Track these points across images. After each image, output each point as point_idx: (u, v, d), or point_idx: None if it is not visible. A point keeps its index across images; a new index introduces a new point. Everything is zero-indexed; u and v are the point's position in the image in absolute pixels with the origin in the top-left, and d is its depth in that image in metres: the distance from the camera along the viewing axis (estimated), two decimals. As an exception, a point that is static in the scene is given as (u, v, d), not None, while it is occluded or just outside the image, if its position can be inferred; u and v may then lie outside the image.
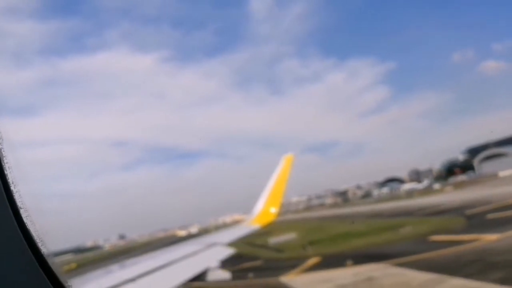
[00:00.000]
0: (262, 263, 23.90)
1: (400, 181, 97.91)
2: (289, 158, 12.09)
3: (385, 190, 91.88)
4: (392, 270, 14.98)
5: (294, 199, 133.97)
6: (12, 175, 1.07)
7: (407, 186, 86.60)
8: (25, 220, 1.07)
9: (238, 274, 22.25)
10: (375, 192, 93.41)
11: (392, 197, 75.03)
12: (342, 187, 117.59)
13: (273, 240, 34.50)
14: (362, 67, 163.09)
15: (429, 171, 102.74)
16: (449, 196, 45.55)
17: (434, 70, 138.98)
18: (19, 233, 1.07)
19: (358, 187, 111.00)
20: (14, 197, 1.08)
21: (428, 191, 66.79)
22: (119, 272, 4.98)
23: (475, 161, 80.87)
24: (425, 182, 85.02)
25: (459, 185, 62.92)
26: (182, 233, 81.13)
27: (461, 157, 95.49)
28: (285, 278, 17.81)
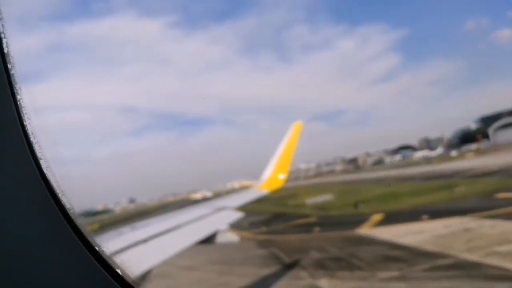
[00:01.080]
0: (318, 220, 23.94)
1: (413, 148, 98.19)
2: (298, 126, 12.20)
3: (397, 157, 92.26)
4: (484, 222, 14.87)
5: (303, 166, 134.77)
6: (31, 125, 1.05)
7: (420, 154, 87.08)
8: (45, 171, 1.07)
9: (294, 230, 22.50)
10: (387, 160, 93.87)
11: (408, 163, 75.60)
12: (350, 154, 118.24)
13: (311, 200, 34.82)
14: (373, 34, 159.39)
15: (440, 139, 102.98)
16: (476, 161, 45.57)
17: (446, 38, 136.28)
18: (42, 183, 1.07)
19: (368, 154, 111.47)
20: (34, 148, 1.06)
21: (445, 158, 67.10)
22: (130, 234, 5.03)
23: (490, 130, 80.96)
24: (439, 150, 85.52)
25: (479, 152, 63.15)
26: (197, 196, 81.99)
27: (473, 126, 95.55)
28: (362, 231, 17.81)
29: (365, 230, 17.91)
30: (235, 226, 26.77)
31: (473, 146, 78.93)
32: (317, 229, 20.02)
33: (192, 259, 18.32)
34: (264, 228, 24.35)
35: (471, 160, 50.28)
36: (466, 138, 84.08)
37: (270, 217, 30.10)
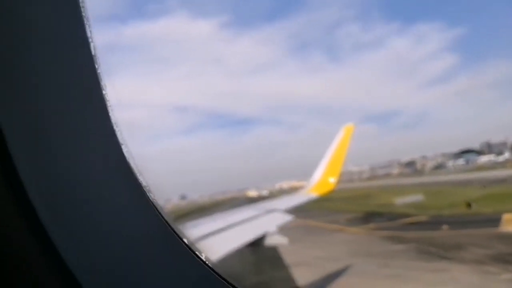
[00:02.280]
0: (430, 219, 23.35)
1: (477, 152, 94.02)
2: (349, 128, 11.99)
3: (460, 161, 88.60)
4: None
5: (355, 168, 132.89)
6: (110, 102, 1.08)
7: (485, 158, 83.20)
8: (122, 145, 1.10)
9: (411, 227, 22.02)
10: (450, 164, 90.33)
11: (473, 168, 72.46)
12: (404, 158, 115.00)
13: (400, 200, 34.05)
14: (428, 32, 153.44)
15: (503, 143, 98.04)
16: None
17: (507, 37, 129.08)
18: (132, 176, 1.10)
19: (424, 158, 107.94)
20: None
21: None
22: None
23: None
24: (506, 155, 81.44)
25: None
26: (253, 194, 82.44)
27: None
28: (506, 229, 17.17)
29: (508, 228, 17.24)
30: (332, 221, 26.59)
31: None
32: (445, 227, 19.50)
33: (323, 250, 18.40)
34: (372, 225, 24.03)
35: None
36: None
37: (365, 216, 29.63)
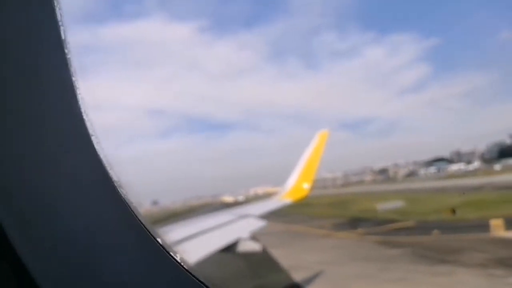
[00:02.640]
0: (417, 224, 23.61)
1: (448, 161, 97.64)
2: (324, 135, 12.00)
3: (431, 169, 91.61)
4: None
5: (329, 175, 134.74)
6: (84, 103, 1.08)
7: (455, 167, 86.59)
8: (96, 147, 1.09)
9: (400, 232, 22.16)
10: (422, 171, 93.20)
11: (445, 176, 74.98)
12: (376, 165, 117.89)
13: (381, 206, 34.46)
14: (403, 42, 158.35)
15: (472, 153, 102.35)
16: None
17: (479, 48, 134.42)
18: (105, 175, 1.09)
19: (396, 165, 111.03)
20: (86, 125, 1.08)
21: (489, 171, 66.59)
22: None
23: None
24: (476, 164, 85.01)
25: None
26: (229, 199, 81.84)
27: (509, 141, 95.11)
28: (497, 234, 17.49)
29: (498, 233, 17.59)
30: (318, 226, 26.34)
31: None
32: (436, 232, 19.72)
33: (317, 254, 18.15)
34: (360, 230, 24.04)
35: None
36: (504, 152, 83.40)
37: (350, 221, 29.74)
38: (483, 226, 19.19)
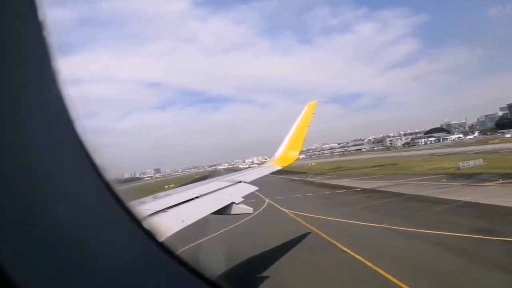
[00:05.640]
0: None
1: (447, 131, 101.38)
2: (313, 105, 12.22)
3: (431, 139, 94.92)
4: None
5: (327, 145, 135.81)
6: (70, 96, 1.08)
7: (454, 136, 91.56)
8: (84, 141, 1.10)
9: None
10: (421, 141, 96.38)
11: (450, 145, 79.63)
12: (370, 137, 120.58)
13: (465, 164, 36.74)
14: (393, 18, 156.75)
15: (462, 124, 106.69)
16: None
17: (467, 25, 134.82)
18: (83, 152, 1.09)
19: (388, 137, 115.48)
20: (73, 119, 1.08)
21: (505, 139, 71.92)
22: (152, 204, 5.29)
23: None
24: (476, 134, 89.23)
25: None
26: (244, 166, 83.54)
27: (500, 113, 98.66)
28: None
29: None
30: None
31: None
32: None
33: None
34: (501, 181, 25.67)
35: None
36: (500, 124, 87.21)
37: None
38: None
